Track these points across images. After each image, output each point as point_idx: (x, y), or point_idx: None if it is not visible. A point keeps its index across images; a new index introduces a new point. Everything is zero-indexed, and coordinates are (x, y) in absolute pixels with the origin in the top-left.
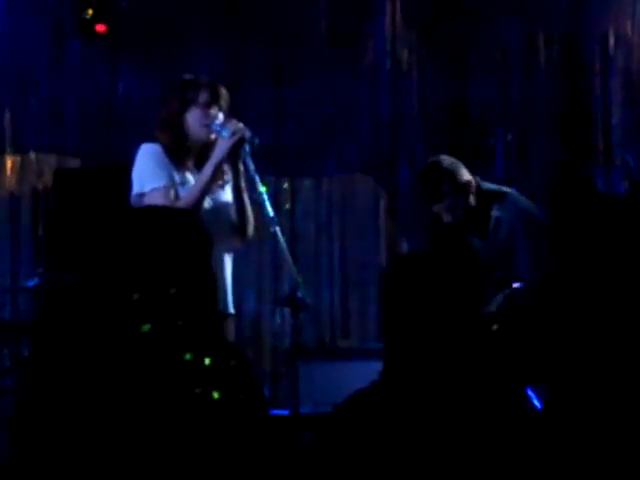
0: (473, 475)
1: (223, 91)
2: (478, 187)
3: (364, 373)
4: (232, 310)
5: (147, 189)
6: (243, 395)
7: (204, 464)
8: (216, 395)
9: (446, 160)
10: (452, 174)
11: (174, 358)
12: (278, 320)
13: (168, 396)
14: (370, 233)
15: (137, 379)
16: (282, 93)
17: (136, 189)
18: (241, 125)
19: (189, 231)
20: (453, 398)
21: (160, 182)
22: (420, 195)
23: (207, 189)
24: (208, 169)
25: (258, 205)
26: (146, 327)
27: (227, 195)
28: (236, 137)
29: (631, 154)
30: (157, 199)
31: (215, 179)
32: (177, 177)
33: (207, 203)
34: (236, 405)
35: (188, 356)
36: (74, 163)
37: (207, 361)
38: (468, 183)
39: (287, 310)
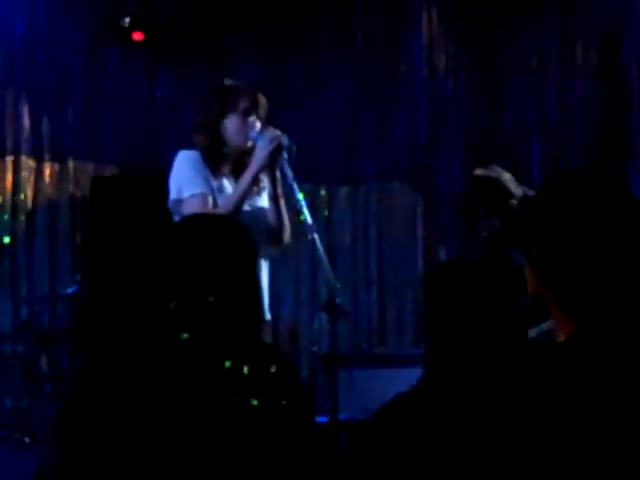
0: None
1: (262, 99)
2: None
3: (402, 380)
4: (268, 316)
5: (185, 195)
6: (285, 401)
7: (244, 471)
8: (255, 402)
9: (505, 176)
10: (508, 191)
11: (213, 366)
12: (316, 326)
13: (208, 404)
14: (407, 240)
15: (176, 387)
16: (318, 100)
17: (173, 195)
18: (279, 132)
19: (233, 237)
20: (494, 405)
21: (198, 189)
22: (467, 202)
23: (245, 196)
24: (247, 176)
25: (295, 212)
26: (185, 335)
27: (263, 202)
28: (274, 145)
29: None
30: (195, 206)
31: (253, 186)
32: (214, 183)
33: (244, 209)
34: (278, 412)
35: (227, 364)
36: (111, 171)
37: (246, 369)
38: (519, 200)
39: (325, 316)
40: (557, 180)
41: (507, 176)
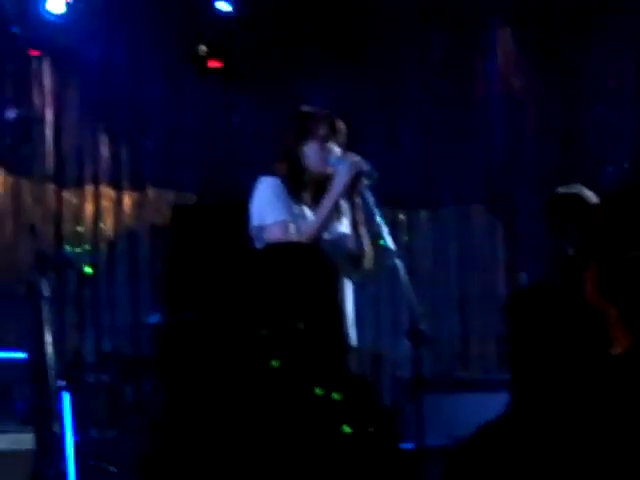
0: None
1: (341, 125)
2: None
3: (486, 405)
4: (355, 343)
5: (267, 222)
6: (372, 429)
7: None
8: (347, 429)
9: (585, 193)
10: (590, 210)
11: (304, 393)
12: (400, 352)
13: (299, 430)
14: (488, 263)
15: (268, 414)
16: (396, 125)
17: (256, 222)
18: (358, 158)
19: (316, 265)
20: (585, 431)
21: (280, 215)
22: (548, 222)
23: (327, 223)
24: (328, 202)
25: (376, 237)
26: (276, 362)
27: (344, 227)
28: (354, 171)
29: None
30: (277, 232)
31: (334, 212)
32: (296, 210)
33: (325, 236)
34: (366, 439)
35: (318, 391)
36: (191, 199)
37: (336, 396)
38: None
39: (407, 342)
40: (620, 191)
41: (589, 193)
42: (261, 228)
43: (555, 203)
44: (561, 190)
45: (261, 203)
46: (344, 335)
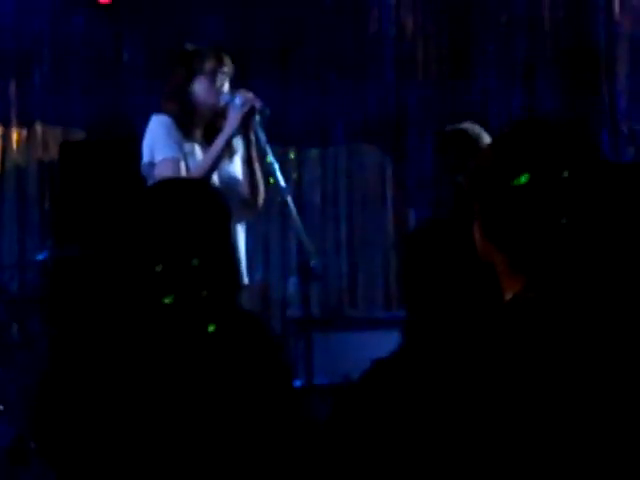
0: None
1: (227, 59)
2: None
3: (373, 343)
4: (246, 280)
5: (157, 159)
6: (266, 367)
7: (224, 436)
8: (235, 366)
9: (474, 129)
10: (480, 144)
11: (197, 330)
12: (290, 290)
13: (191, 367)
14: (377, 202)
15: (160, 352)
16: (286, 62)
17: (146, 158)
18: (251, 95)
19: (209, 200)
20: (477, 367)
21: (170, 153)
22: (444, 165)
23: (219, 160)
24: (221, 140)
25: (267, 175)
26: (169, 299)
27: (236, 167)
28: (247, 107)
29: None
30: (167, 169)
31: (226, 150)
32: (187, 148)
33: (216, 175)
34: (260, 377)
35: (211, 327)
36: (80, 135)
37: (227, 333)
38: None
39: (297, 279)
40: (509, 130)
41: (479, 130)
42: (151, 165)
43: (444, 139)
44: (459, 127)
45: (152, 140)
46: (237, 273)
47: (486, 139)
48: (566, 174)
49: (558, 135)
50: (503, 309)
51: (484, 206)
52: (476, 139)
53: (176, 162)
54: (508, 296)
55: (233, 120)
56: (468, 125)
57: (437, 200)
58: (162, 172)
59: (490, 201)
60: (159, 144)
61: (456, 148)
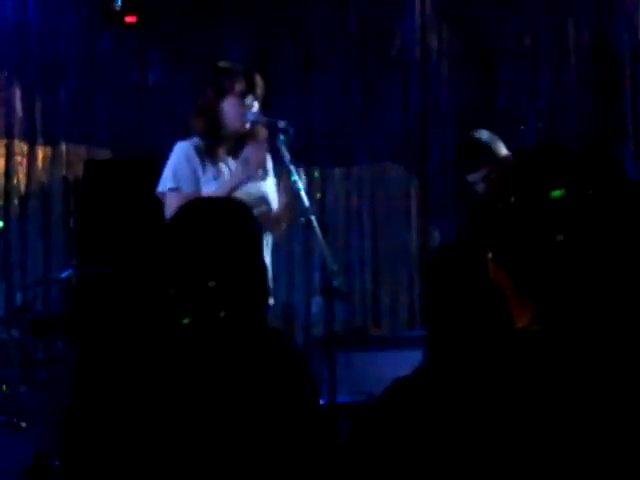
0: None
1: (259, 80)
2: None
3: (397, 362)
4: (272, 301)
5: (166, 188)
6: (293, 385)
7: (249, 454)
8: (258, 386)
9: (485, 134)
10: (490, 146)
11: (217, 351)
12: (314, 309)
13: (211, 388)
14: (401, 221)
15: (179, 372)
16: (312, 82)
17: (160, 187)
18: (262, 152)
19: (241, 219)
20: (499, 387)
21: (177, 184)
22: (457, 168)
23: (236, 189)
24: (232, 182)
25: (293, 195)
26: (186, 320)
27: (268, 187)
28: (254, 166)
29: None
30: (172, 200)
31: (246, 180)
32: (211, 172)
33: (248, 194)
34: (285, 396)
35: (231, 348)
36: (104, 154)
37: (251, 353)
38: (505, 158)
39: (321, 299)
40: (520, 154)
41: (493, 138)
42: (162, 194)
43: (466, 145)
44: (472, 133)
45: (168, 169)
46: (266, 292)
47: (500, 145)
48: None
49: (571, 159)
50: (511, 341)
51: (494, 230)
52: (488, 143)
53: (182, 195)
54: (518, 322)
55: (240, 174)
56: (481, 131)
57: (459, 215)
58: (168, 201)
59: (499, 225)
60: (171, 174)
61: (468, 151)
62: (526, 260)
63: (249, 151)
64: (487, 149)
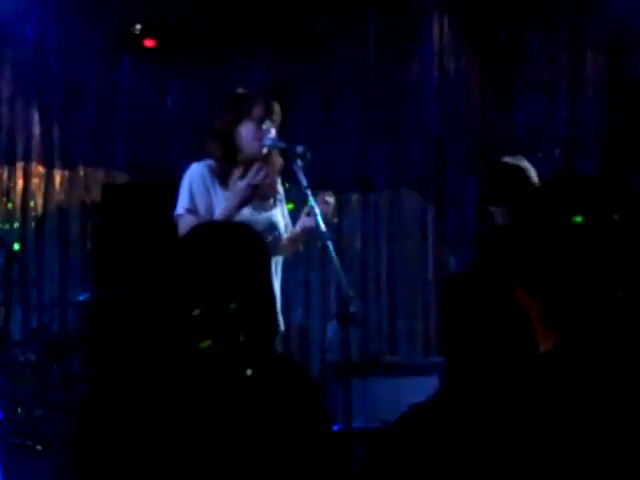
0: None
1: (276, 106)
2: None
3: (412, 388)
4: (282, 327)
5: (182, 210)
6: (305, 411)
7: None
8: (273, 410)
9: (517, 161)
10: (519, 179)
11: (235, 374)
12: (330, 335)
13: (228, 412)
14: (417, 248)
15: (196, 395)
16: (330, 108)
17: (177, 209)
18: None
19: (249, 245)
20: (516, 414)
21: (193, 204)
22: (481, 196)
23: (235, 214)
24: (230, 207)
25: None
26: (206, 343)
27: (277, 216)
28: (245, 193)
29: None
30: (186, 223)
31: (242, 206)
32: (222, 196)
33: (256, 222)
34: (297, 421)
35: (249, 372)
36: (122, 178)
37: (265, 377)
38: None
39: (336, 325)
40: (548, 183)
41: (530, 167)
42: (178, 216)
43: (497, 173)
44: (507, 160)
45: (182, 191)
46: (275, 316)
47: (531, 172)
48: (606, 227)
49: (595, 185)
50: (534, 365)
51: (520, 254)
52: (517, 171)
53: (196, 217)
54: (542, 347)
55: (234, 199)
56: (510, 158)
57: (476, 243)
58: (183, 223)
59: (525, 248)
60: (186, 196)
61: (495, 179)
62: (560, 291)
63: (249, 176)
64: (516, 182)
